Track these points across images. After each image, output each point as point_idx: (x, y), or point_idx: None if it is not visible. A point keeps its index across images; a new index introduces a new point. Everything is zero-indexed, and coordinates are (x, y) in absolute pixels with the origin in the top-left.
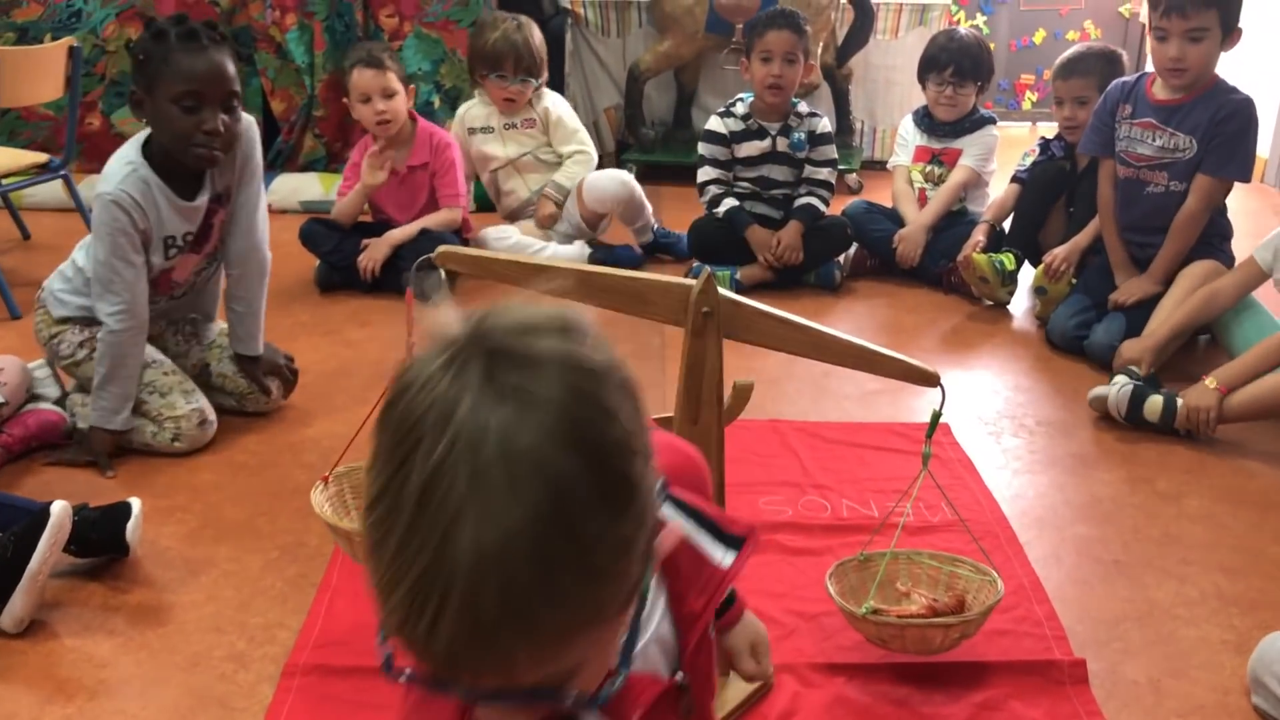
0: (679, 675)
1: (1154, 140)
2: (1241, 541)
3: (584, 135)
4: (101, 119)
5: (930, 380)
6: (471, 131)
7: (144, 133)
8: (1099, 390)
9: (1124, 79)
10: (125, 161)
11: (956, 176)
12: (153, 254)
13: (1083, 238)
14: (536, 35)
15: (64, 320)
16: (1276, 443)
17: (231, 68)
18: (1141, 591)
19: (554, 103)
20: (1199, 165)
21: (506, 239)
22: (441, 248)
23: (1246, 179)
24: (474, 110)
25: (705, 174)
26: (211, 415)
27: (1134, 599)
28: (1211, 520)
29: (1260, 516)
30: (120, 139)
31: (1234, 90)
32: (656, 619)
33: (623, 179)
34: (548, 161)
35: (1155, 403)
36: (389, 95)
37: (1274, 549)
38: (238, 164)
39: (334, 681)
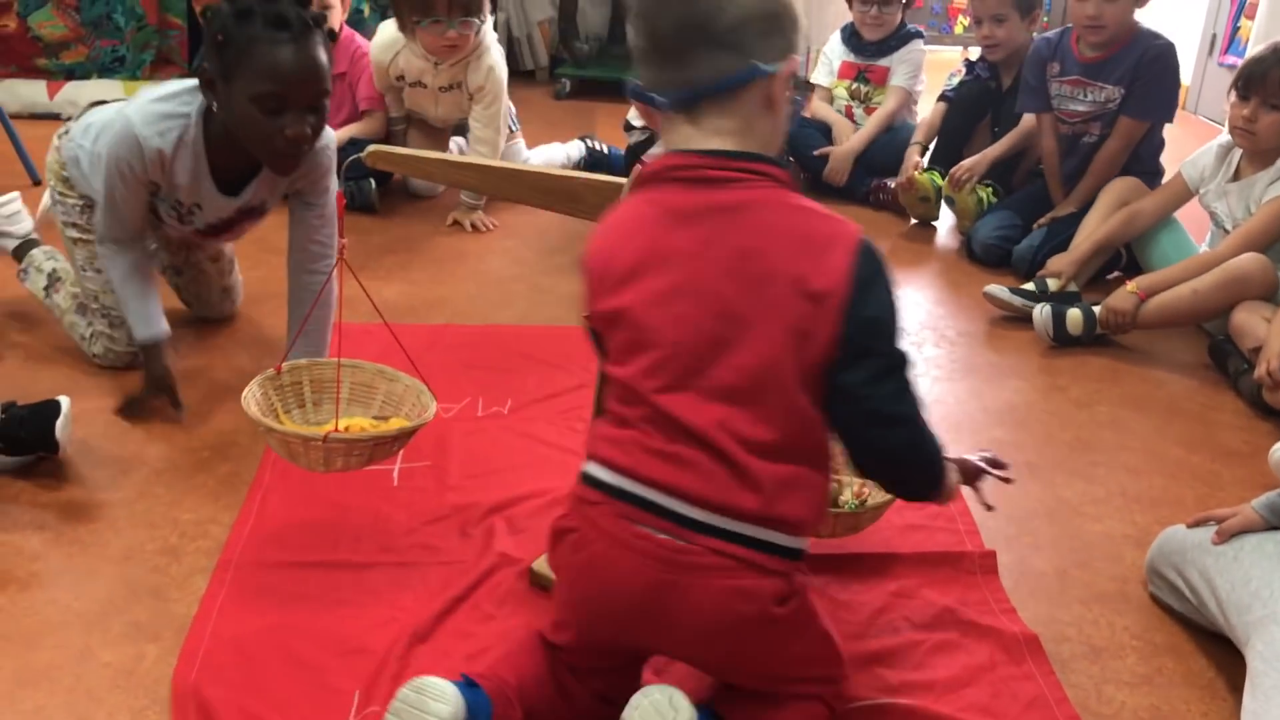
0: None
1: (1085, 96)
2: (1146, 444)
3: (503, 118)
4: (18, 21)
5: None
6: (399, 78)
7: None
8: (991, 288)
9: (1048, 35)
10: (180, 117)
11: (889, 104)
12: (158, 203)
13: (993, 150)
14: None
15: (69, 191)
16: (1184, 353)
17: (325, 62)
18: (1051, 490)
19: (492, 78)
20: (1121, 107)
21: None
22: (371, 147)
23: (1168, 120)
24: (406, 58)
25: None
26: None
27: (1044, 497)
28: (1120, 425)
29: (1165, 422)
30: (38, 43)
31: (1156, 36)
32: None
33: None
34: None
35: (1075, 316)
36: (325, 8)
37: (1175, 451)
38: (291, 176)
39: (268, 574)
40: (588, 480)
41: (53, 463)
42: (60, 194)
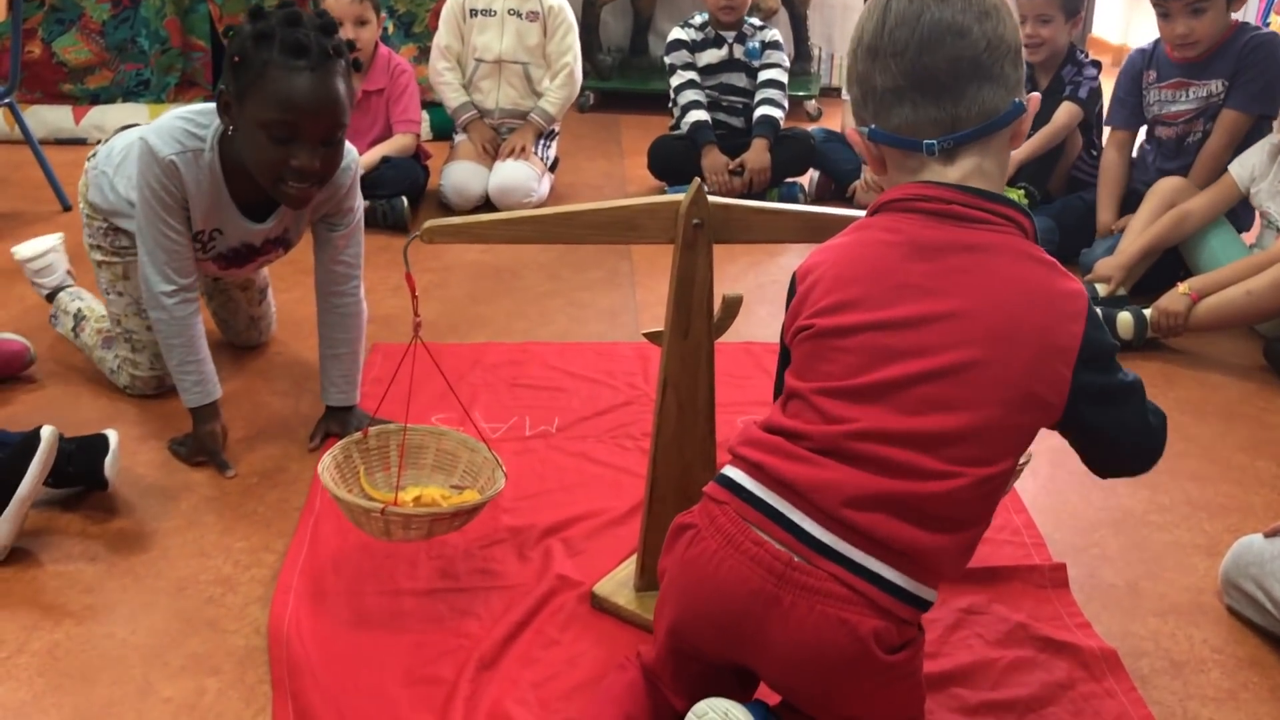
0: None
1: (1187, 95)
2: (1208, 451)
3: (577, 52)
4: (43, 46)
5: None
6: (472, 13)
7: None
8: None
9: (1142, 47)
10: (194, 137)
11: None
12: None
13: (1020, 151)
14: None
15: (95, 214)
16: (1240, 355)
17: (342, 93)
18: (1115, 500)
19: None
20: (1224, 100)
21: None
22: (429, 224)
23: (1274, 113)
24: None
25: (678, 79)
26: (170, 382)
27: (1108, 507)
28: (1179, 431)
29: (1225, 426)
30: (63, 68)
31: (1257, 27)
32: None
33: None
34: (533, 79)
35: (1125, 319)
36: (361, 23)
37: (1239, 457)
38: (317, 203)
39: (328, 604)
40: (720, 481)
41: (99, 493)
42: (88, 216)
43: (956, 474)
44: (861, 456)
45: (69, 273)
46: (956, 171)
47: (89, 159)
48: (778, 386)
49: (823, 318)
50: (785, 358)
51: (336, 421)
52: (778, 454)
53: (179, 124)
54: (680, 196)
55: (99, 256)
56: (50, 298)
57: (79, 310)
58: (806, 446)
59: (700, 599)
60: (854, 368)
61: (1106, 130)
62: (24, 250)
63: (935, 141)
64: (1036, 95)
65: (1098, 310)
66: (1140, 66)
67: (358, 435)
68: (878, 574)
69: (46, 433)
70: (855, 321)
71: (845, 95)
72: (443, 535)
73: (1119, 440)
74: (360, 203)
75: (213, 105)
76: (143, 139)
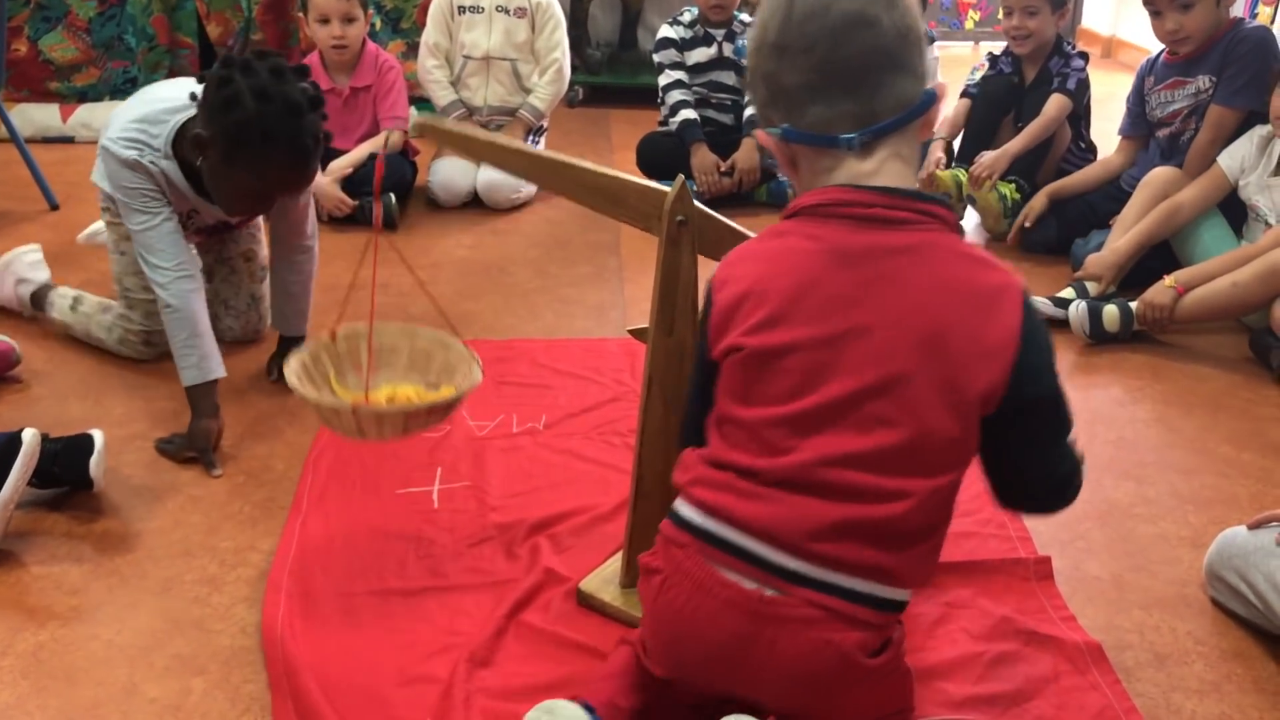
0: None
1: (1183, 93)
2: (1193, 442)
3: (565, 47)
4: (29, 44)
5: None
6: (460, 10)
7: (179, 110)
8: (1032, 300)
9: (1149, 56)
10: (147, 144)
11: None
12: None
13: (1013, 145)
14: None
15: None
16: (1226, 348)
17: (314, 169)
18: (1100, 493)
19: None
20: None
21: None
22: (419, 118)
23: (1261, 107)
24: None
25: (666, 78)
26: (159, 340)
27: (1093, 500)
28: (1164, 423)
29: (1211, 418)
30: (49, 66)
31: (1249, 22)
32: None
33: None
34: (521, 75)
35: (1111, 312)
36: (349, 20)
37: (1225, 448)
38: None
39: (318, 604)
40: (676, 520)
41: (84, 493)
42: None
43: (907, 492)
44: (814, 484)
45: (52, 281)
46: (874, 164)
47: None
48: (694, 400)
49: (753, 336)
50: (707, 370)
51: (287, 356)
52: (730, 492)
53: (133, 129)
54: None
55: (109, 217)
56: (36, 297)
57: (79, 294)
58: (758, 482)
59: (681, 650)
60: (792, 390)
61: (1117, 139)
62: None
63: (854, 135)
64: (944, 84)
65: (1034, 303)
66: (1143, 74)
67: (325, 339)
68: (852, 589)
69: (28, 436)
70: (787, 340)
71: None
72: (420, 431)
73: (1029, 462)
74: (310, 196)
75: (162, 108)
76: (104, 147)
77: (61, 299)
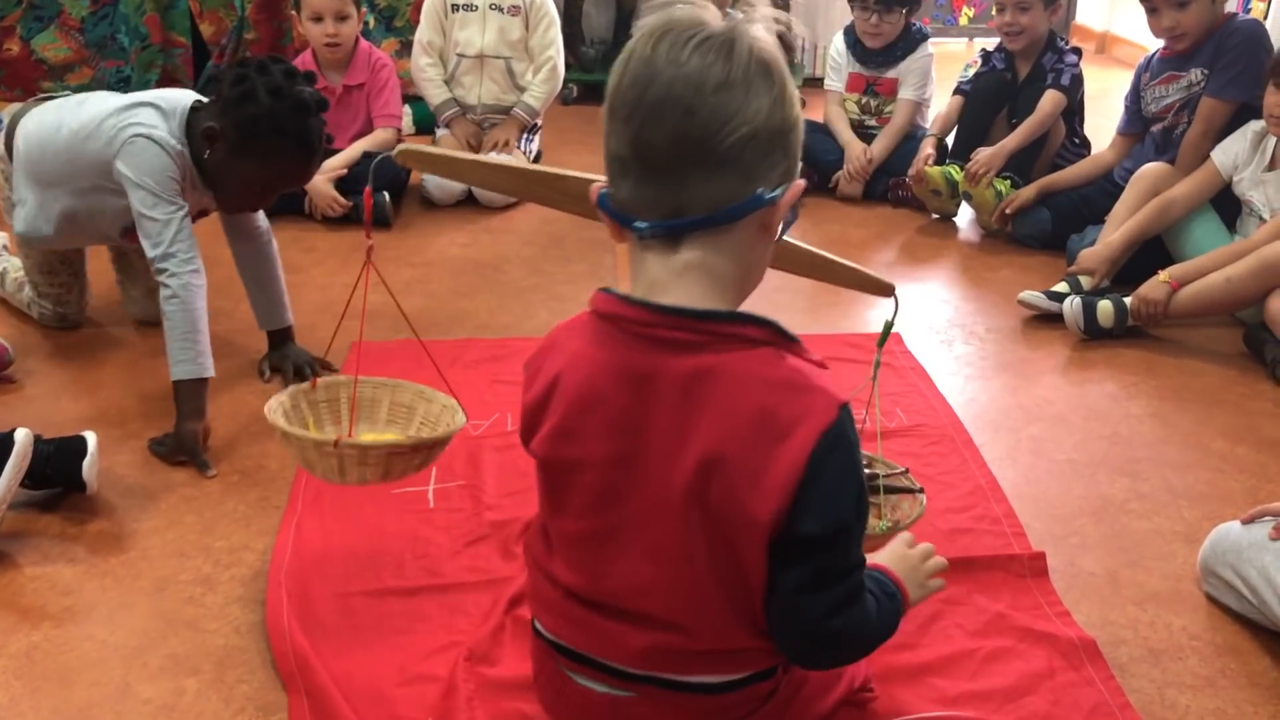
0: None
1: (1176, 87)
2: (1187, 437)
3: (560, 45)
4: (21, 44)
5: (885, 290)
6: (454, 8)
7: (180, 99)
8: (1025, 295)
9: (1148, 53)
10: (167, 129)
11: (898, 119)
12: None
13: (1009, 142)
14: None
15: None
16: (1219, 342)
17: (315, 168)
18: (1094, 488)
19: None
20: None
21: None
22: (402, 146)
23: (1251, 100)
24: None
25: None
26: (75, 316)
27: (1088, 495)
28: (1159, 418)
29: (1205, 413)
30: (42, 65)
31: (1242, 17)
32: None
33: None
34: (515, 74)
35: (1106, 308)
36: (342, 18)
37: (1219, 443)
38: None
39: (316, 605)
40: (534, 627)
41: (79, 493)
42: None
43: (696, 625)
44: (623, 612)
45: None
46: (675, 267)
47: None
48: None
49: (549, 447)
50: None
51: (276, 353)
52: (562, 618)
53: (148, 114)
54: None
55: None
56: None
57: (8, 266)
58: (580, 604)
59: None
60: (585, 509)
61: (1114, 136)
62: None
63: (645, 225)
64: (800, 183)
65: (843, 431)
66: (1140, 71)
67: (306, 386)
68: (698, 683)
69: (21, 435)
70: (578, 456)
71: (828, 85)
72: (400, 477)
73: (790, 603)
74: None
75: (175, 112)
76: (145, 135)
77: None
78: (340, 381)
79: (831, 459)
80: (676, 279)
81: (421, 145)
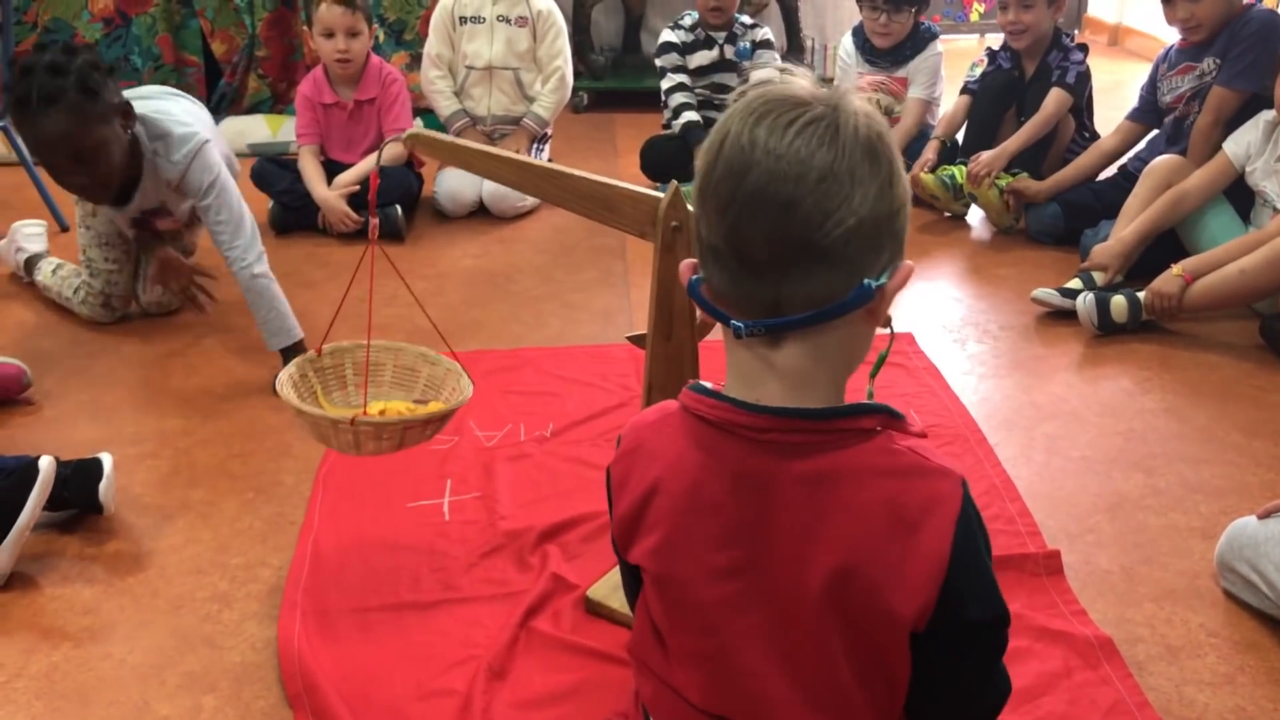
0: None
1: (1190, 77)
2: (1203, 432)
3: (568, 55)
4: None
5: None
6: (462, 20)
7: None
8: (1038, 292)
9: (1166, 46)
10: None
11: (907, 120)
12: None
13: (1012, 143)
14: None
15: None
16: (1235, 335)
17: (70, 130)
18: (1110, 485)
19: (549, 3)
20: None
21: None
22: (411, 130)
23: (1260, 89)
24: None
25: (668, 81)
26: (118, 305)
27: (1103, 492)
28: (1174, 413)
29: (1221, 407)
30: None
31: (1259, 6)
32: None
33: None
34: (524, 84)
35: (1120, 303)
36: (353, 34)
37: (1235, 437)
38: (158, 187)
39: (334, 621)
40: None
41: (96, 514)
42: None
43: None
44: None
45: (47, 251)
46: (775, 374)
47: None
48: (625, 581)
49: (656, 562)
50: (628, 567)
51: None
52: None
53: (186, 117)
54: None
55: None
56: (29, 264)
57: (61, 262)
58: (712, 717)
59: None
60: (708, 625)
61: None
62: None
63: (743, 325)
64: (909, 265)
65: (976, 513)
66: (1158, 63)
67: (311, 354)
68: None
69: (45, 463)
70: (691, 570)
71: (837, 86)
72: (413, 445)
73: (947, 689)
74: (216, 176)
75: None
76: (204, 139)
77: (48, 264)
78: (344, 348)
79: (969, 543)
80: (780, 378)
81: (430, 131)
